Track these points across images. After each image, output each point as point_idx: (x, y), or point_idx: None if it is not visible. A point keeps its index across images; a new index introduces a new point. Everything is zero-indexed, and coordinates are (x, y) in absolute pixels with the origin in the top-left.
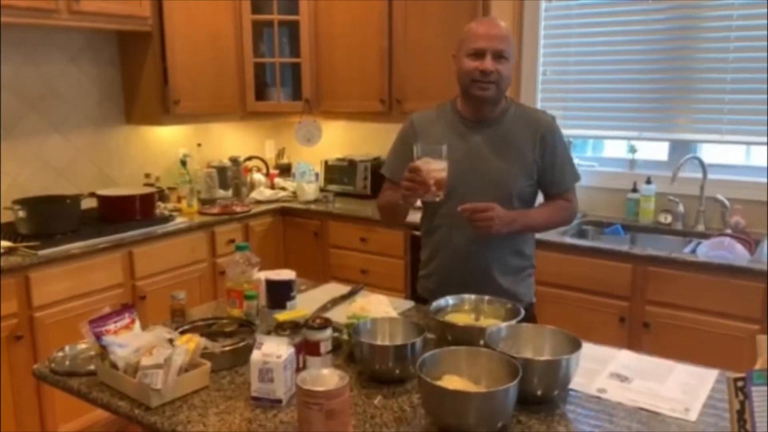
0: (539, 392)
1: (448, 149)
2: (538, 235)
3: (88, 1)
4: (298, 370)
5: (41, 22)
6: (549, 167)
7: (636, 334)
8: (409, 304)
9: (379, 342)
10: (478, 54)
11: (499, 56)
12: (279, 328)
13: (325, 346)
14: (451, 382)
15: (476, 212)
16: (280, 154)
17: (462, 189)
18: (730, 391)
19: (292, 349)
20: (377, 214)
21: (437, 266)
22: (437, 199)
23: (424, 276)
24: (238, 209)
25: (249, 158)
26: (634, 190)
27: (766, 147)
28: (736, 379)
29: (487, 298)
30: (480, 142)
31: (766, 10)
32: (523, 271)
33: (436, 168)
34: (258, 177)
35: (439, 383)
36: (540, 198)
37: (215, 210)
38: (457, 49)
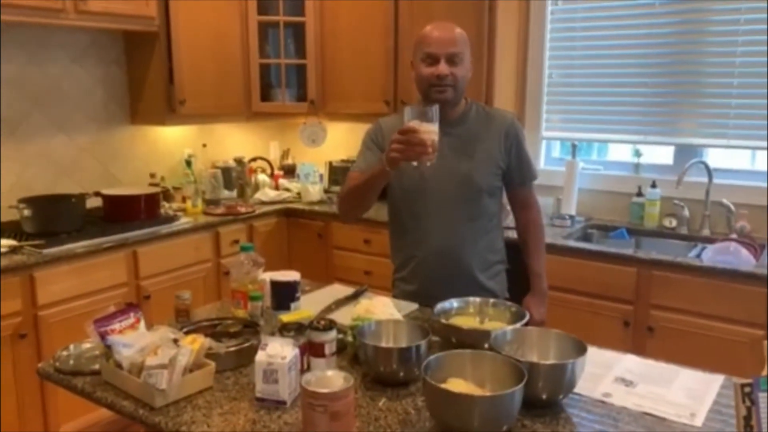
0: (544, 396)
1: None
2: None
3: (95, 1)
4: (303, 371)
5: (48, 22)
6: (515, 161)
7: (640, 338)
8: (413, 306)
9: (383, 344)
10: (433, 59)
11: (452, 60)
12: (283, 329)
13: (330, 348)
14: (456, 385)
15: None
16: (285, 155)
17: (432, 190)
18: (736, 397)
19: (296, 351)
20: (380, 216)
21: (414, 268)
22: (429, 164)
23: (401, 279)
24: (243, 210)
25: (254, 159)
26: (639, 194)
27: None
28: (743, 385)
29: (492, 301)
30: (445, 143)
31: None
32: (496, 265)
33: (430, 130)
34: (262, 178)
35: (443, 386)
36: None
37: (220, 210)
38: (413, 55)
